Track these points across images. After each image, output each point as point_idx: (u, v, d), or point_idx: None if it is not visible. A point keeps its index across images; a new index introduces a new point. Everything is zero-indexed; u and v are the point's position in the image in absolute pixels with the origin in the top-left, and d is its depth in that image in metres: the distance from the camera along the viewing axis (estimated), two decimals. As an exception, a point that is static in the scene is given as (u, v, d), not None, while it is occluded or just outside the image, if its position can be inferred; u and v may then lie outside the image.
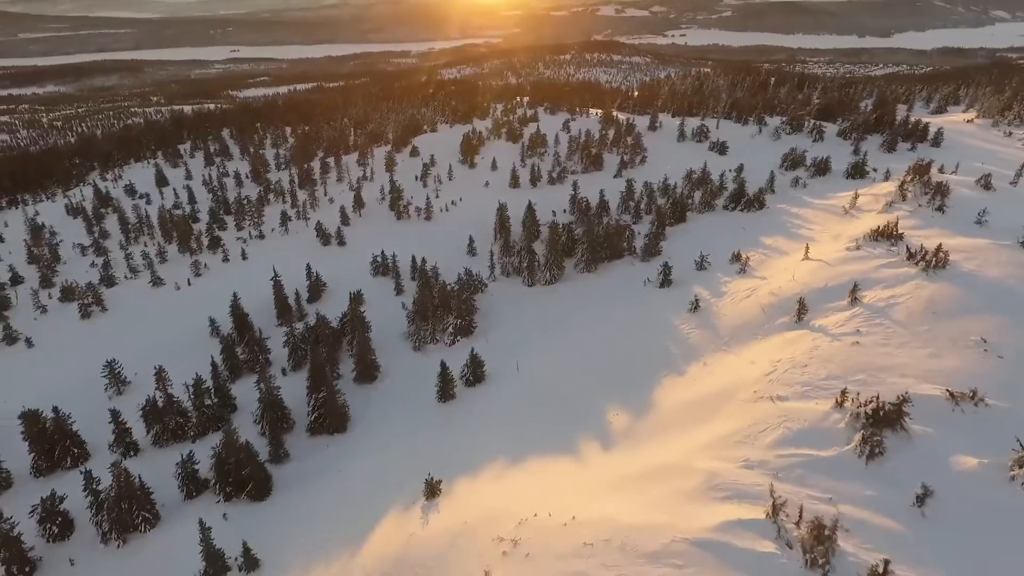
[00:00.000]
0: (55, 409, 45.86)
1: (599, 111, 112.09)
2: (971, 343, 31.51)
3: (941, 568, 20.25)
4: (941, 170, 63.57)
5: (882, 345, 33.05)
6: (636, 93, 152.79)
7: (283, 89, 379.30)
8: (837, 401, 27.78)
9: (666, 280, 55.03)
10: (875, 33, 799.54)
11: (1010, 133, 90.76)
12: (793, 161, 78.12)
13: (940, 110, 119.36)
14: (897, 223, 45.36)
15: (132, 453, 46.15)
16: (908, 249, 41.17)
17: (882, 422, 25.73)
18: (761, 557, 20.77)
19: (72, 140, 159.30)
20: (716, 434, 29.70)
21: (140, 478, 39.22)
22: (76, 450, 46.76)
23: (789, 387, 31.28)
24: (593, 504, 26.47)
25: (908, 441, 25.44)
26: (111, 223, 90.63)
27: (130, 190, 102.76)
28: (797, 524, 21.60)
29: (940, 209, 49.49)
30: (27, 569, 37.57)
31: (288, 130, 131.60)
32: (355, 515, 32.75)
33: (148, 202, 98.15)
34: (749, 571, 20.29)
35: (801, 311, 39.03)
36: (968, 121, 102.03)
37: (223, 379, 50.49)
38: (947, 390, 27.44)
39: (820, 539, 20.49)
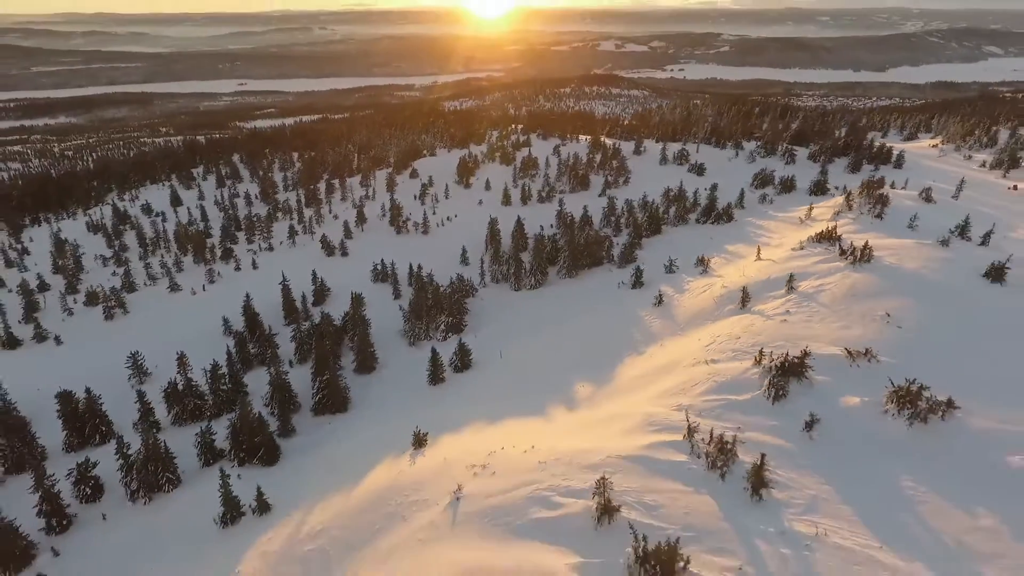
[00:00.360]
0: (87, 390, 51.50)
1: (588, 137, 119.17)
2: (877, 317, 37.17)
3: (817, 474, 25.74)
4: (892, 186, 69.79)
5: (805, 321, 38.72)
6: (627, 121, 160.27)
7: (289, 120, 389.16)
8: (756, 359, 33.35)
9: (638, 282, 60.78)
10: (870, 68, 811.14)
11: (969, 156, 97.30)
12: (762, 180, 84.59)
13: (911, 137, 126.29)
14: (836, 227, 51.31)
15: (155, 431, 51.39)
16: (841, 247, 47.04)
17: (788, 372, 31.32)
18: (675, 464, 26.30)
19: (90, 166, 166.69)
20: (658, 391, 35.24)
21: (165, 444, 44.61)
22: (104, 428, 52.24)
23: (722, 353, 36.90)
24: (551, 440, 31.91)
25: (809, 387, 30.99)
26: (129, 238, 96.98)
27: (146, 209, 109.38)
28: (707, 443, 27.02)
29: (879, 216, 55.47)
30: (64, 523, 42.71)
31: (295, 155, 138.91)
32: (353, 467, 37.98)
33: (164, 220, 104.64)
34: (665, 475, 25.77)
35: (745, 299, 44.76)
36: (933, 146, 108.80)
37: (236, 368, 56.02)
38: (846, 349, 33.08)
39: (723, 451, 26.01)
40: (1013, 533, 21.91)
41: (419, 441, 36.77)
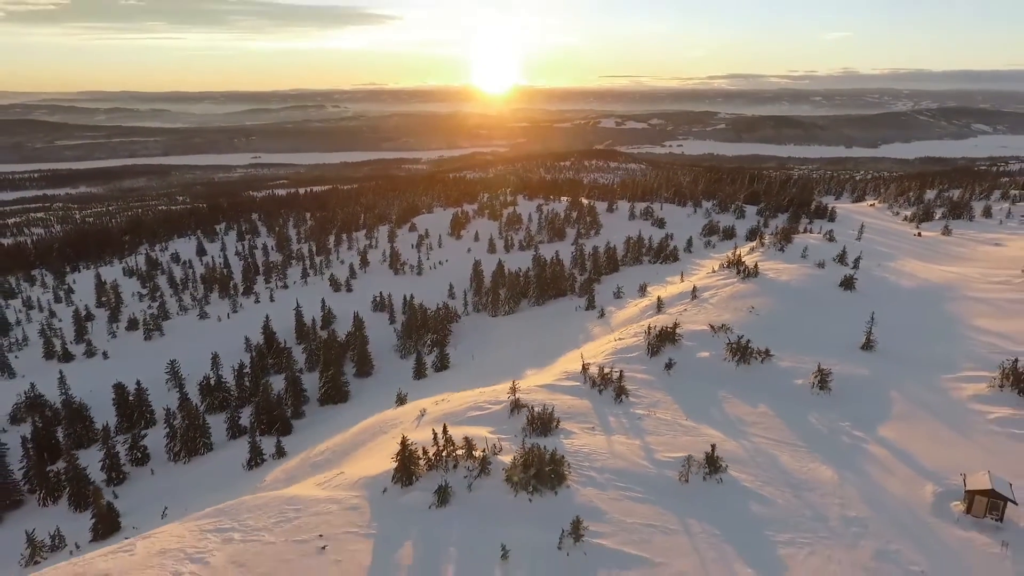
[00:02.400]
0: (137, 382, 63.73)
1: (568, 198, 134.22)
2: (744, 309, 49.85)
3: (665, 391, 38.05)
4: (807, 230, 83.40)
5: (695, 314, 51.28)
6: (614, 187, 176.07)
7: (301, 190, 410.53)
8: (647, 332, 45.73)
9: (591, 305, 73.49)
10: (863, 144, 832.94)
11: (897, 212, 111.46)
12: (710, 230, 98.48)
13: (860, 199, 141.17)
14: (742, 257, 64.42)
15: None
16: (738, 269, 60.06)
17: (663, 338, 43.80)
18: (570, 387, 38.70)
19: (122, 223, 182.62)
20: (577, 358, 47.42)
21: (204, 416, 56.59)
22: (148, 415, 64.14)
23: (630, 335, 49.29)
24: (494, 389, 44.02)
25: (678, 348, 43.40)
26: (161, 281, 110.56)
27: (175, 258, 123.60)
28: (596, 376, 39.21)
29: (781, 250, 68.68)
30: (120, 477, 54.23)
31: (308, 215, 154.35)
32: (350, 423, 49.79)
33: (190, 267, 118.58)
34: (562, 392, 38.09)
35: (660, 306, 57.37)
36: (871, 205, 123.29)
37: (257, 370, 68.28)
38: (710, 325, 45.64)
39: (605, 379, 38.25)
40: (774, 413, 34.38)
41: (400, 400, 48.88)
